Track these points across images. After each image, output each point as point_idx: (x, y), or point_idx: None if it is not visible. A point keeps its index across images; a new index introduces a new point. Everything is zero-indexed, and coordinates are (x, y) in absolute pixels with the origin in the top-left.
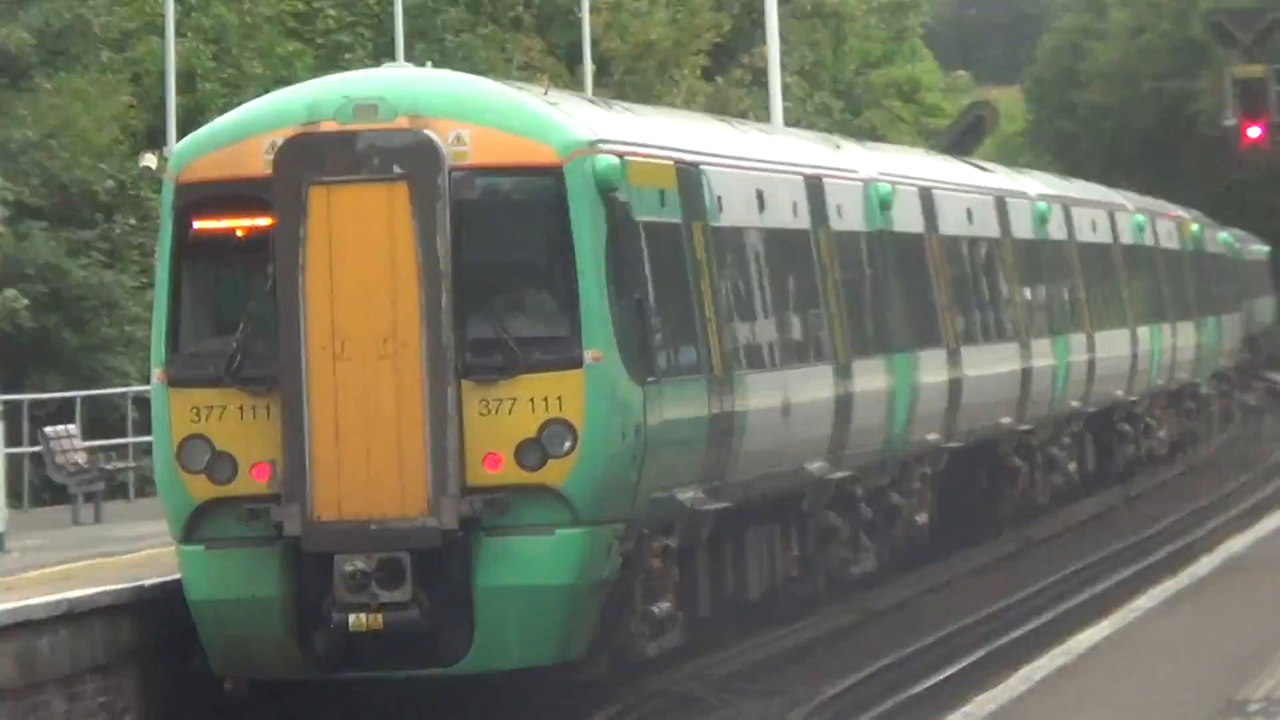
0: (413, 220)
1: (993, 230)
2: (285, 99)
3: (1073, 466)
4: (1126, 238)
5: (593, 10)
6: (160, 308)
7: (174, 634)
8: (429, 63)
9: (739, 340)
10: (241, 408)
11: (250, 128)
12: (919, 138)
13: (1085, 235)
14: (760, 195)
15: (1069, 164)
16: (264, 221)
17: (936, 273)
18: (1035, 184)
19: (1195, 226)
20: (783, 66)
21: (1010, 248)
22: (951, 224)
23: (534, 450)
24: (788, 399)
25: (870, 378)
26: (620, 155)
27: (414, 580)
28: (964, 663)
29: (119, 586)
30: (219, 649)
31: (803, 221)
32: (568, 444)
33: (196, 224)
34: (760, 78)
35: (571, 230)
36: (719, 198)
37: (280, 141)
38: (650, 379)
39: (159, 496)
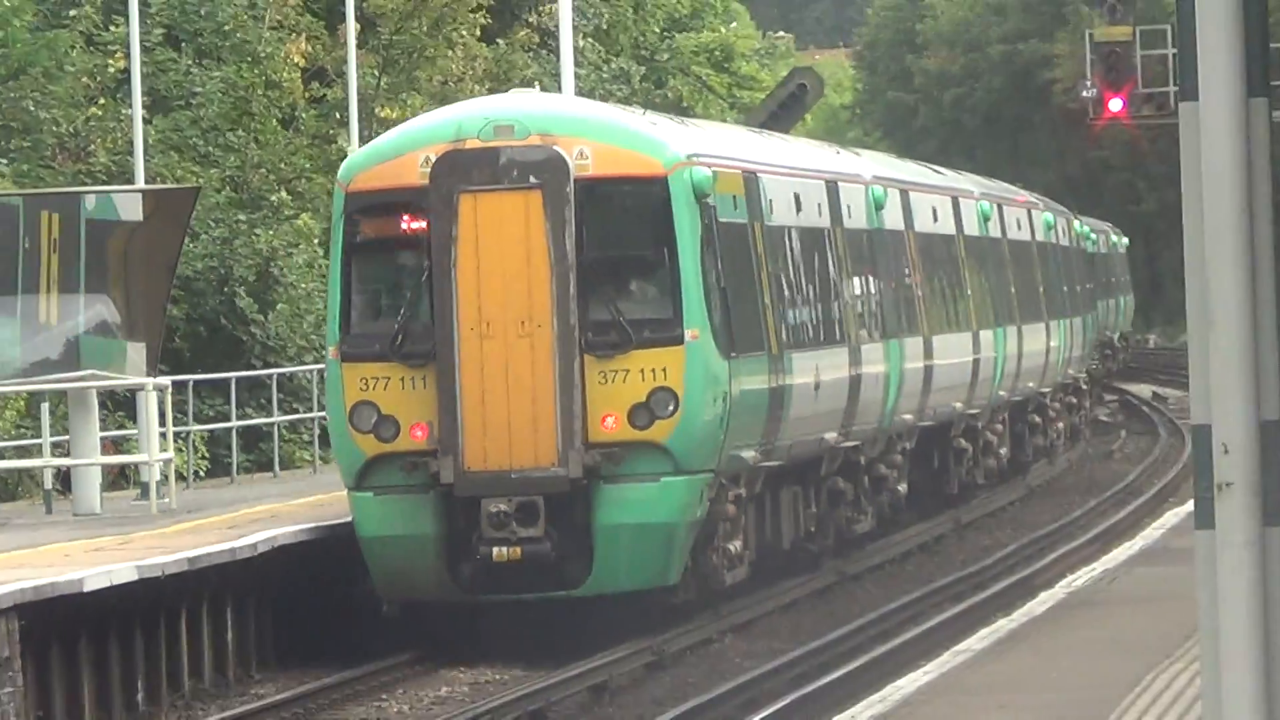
0: (545, 222)
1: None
2: (436, 121)
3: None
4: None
5: None
6: (334, 296)
7: (346, 564)
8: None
9: (786, 323)
10: (403, 379)
11: (407, 145)
12: (732, 112)
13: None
14: (797, 198)
15: (902, 141)
16: (419, 223)
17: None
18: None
19: (1048, 216)
20: (575, 28)
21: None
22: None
23: (643, 412)
24: (819, 376)
25: None
26: (710, 167)
27: (546, 519)
28: (767, 712)
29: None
30: (384, 577)
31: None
32: (671, 407)
33: (363, 225)
34: (549, 40)
35: (674, 230)
36: (770, 201)
37: (433, 157)
38: (733, 355)
39: (333, 451)
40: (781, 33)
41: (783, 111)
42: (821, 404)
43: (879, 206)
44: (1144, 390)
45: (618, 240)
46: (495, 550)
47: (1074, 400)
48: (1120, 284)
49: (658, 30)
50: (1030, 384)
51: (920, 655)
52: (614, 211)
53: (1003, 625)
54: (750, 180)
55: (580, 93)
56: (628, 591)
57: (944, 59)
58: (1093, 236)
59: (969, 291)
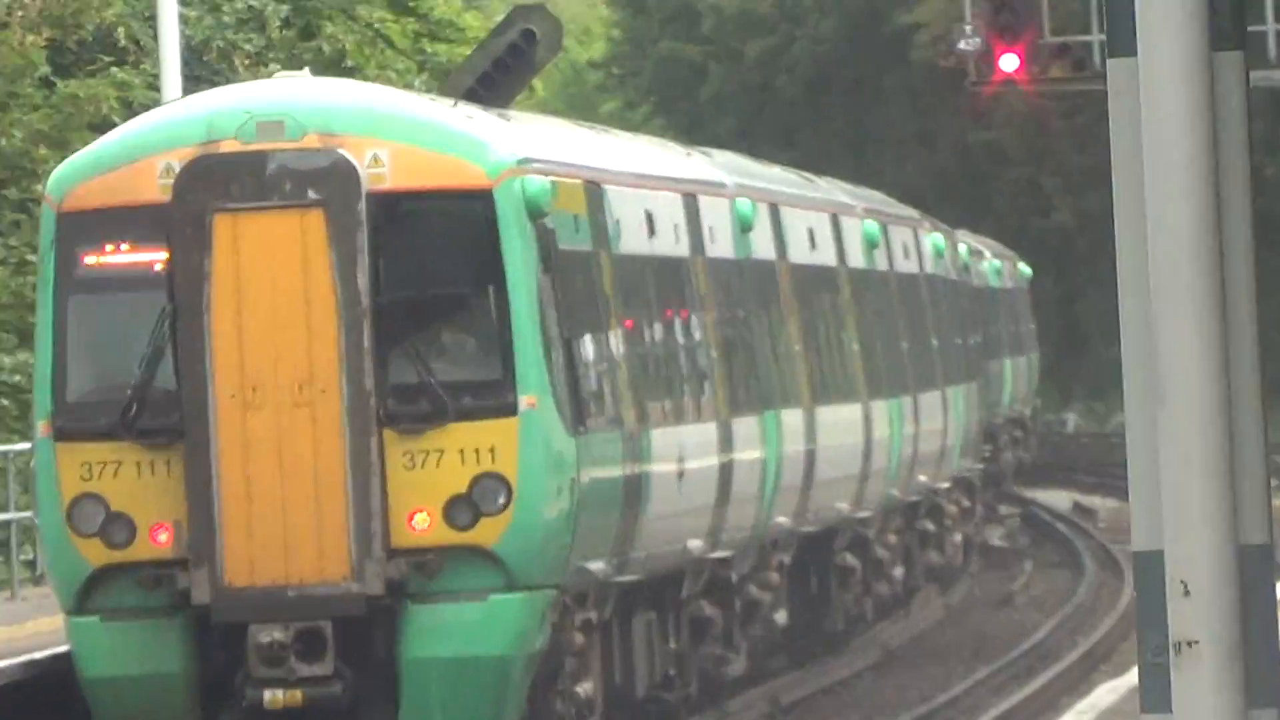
0: (329, 251)
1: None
2: (178, 116)
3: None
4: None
5: None
6: (45, 351)
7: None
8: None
9: (641, 390)
10: (139, 463)
11: (141, 149)
12: (422, 74)
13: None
14: (650, 217)
15: (684, 117)
16: (159, 254)
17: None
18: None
19: (936, 238)
20: None
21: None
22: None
23: (465, 507)
24: (683, 463)
25: None
26: (548, 175)
27: (336, 652)
28: None
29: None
30: None
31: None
32: (501, 500)
33: (84, 258)
34: None
35: (503, 260)
36: (618, 221)
37: (177, 164)
38: (581, 429)
39: (46, 563)
40: None
41: (499, 73)
42: (685, 500)
43: (745, 228)
44: (1059, 498)
45: (427, 275)
46: (268, 694)
47: (967, 503)
48: (1023, 335)
49: None
50: (923, 477)
51: None
52: (422, 236)
53: None
54: (593, 193)
55: (191, 41)
56: None
57: None
58: (991, 265)
59: (855, 347)
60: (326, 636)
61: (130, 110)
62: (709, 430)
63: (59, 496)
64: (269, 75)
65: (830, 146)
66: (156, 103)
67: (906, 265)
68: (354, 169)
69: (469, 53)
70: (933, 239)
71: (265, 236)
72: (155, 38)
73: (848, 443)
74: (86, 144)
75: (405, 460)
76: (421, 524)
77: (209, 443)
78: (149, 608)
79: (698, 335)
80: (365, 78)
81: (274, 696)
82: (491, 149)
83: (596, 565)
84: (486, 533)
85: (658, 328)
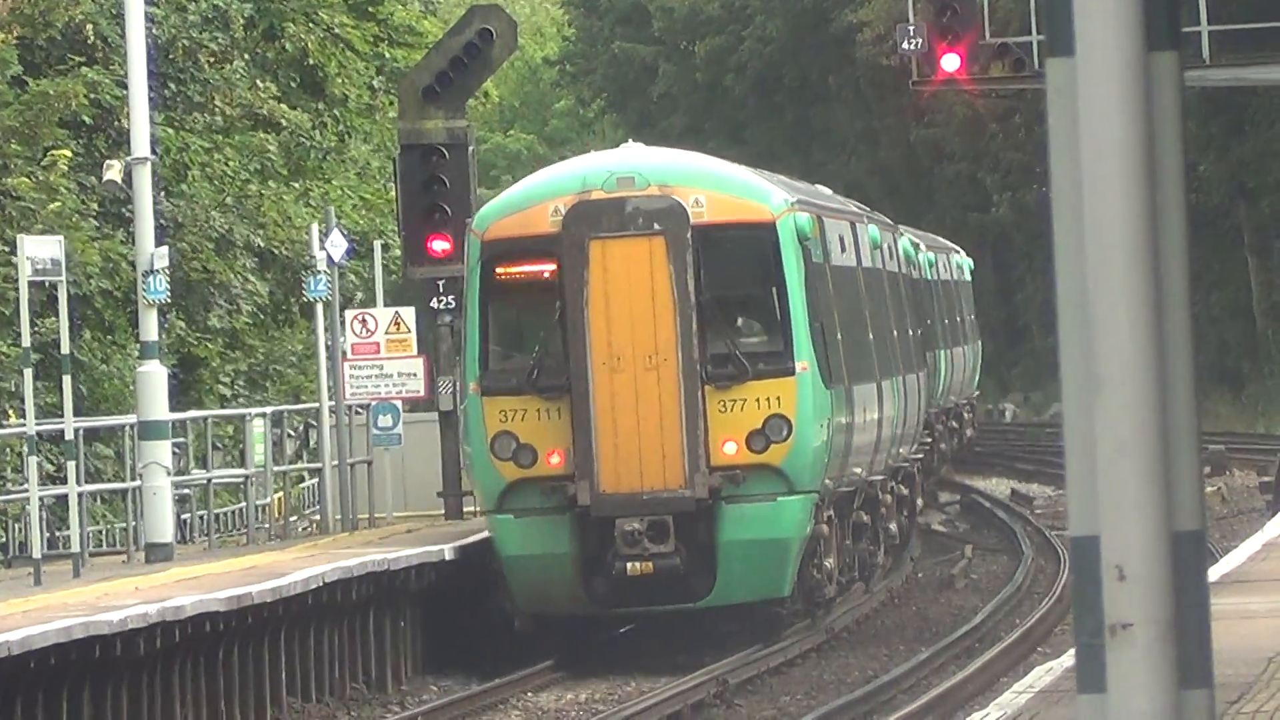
0: (668, 265)
1: (847, 257)
2: (562, 174)
3: (893, 526)
4: (866, 258)
5: None
6: (473, 335)
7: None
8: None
9: (847, 358)
10: (539, 410)
11: (537, 196)
12: (380, 77)
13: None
14: (841, 239)
15: (636, 115)
16: (551, 267)
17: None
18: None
19: (873, 230)
20: None
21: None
22: (835, 253)
23: (760, 438)
24: (871, 412)
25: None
26: (807, 212)
27: (675, 536)
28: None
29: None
30: (523, 592)
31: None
32: (785, 433)
33: (498, 270)
34: None
35: (784, 270)
36: (828, 242)
37: (563, 207)
38: (831, 386)
39: (473, 478)
40: None
41: (456, 72)
42: (867, 437)
43: (875, 246)
44: (999, 486)
45: (732, 280)
46: (629, 565)
47: (905, 492)
48: (965, 327)
49: None
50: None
51: None
52: (729, 254)
53: None
54: (820, 223)
55: (158, 40)
56: (746, 603)
57: None
58: (928, 257)
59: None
60: (669, 526)
61: (99, 108)
62: (871, 389)
63: (485, 433)
64: (234, 72)
65: (777, 143)
66: (125, 102)
67: (842, 258)
68: (683, 209)
69: (425, 55)
70: (869, 231)
71: (625, 255)
72: (123, 35)
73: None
74: (57, 139)
75: (719, 406)
76: (731, 450)
77: (588, 395)
78: (546, 508)
79: (862, 321)
80: (326, 76)
81: (633, 567)
82: (774, 194)
83: (833, 478)
84: (775, 455)
85: (850, 316)
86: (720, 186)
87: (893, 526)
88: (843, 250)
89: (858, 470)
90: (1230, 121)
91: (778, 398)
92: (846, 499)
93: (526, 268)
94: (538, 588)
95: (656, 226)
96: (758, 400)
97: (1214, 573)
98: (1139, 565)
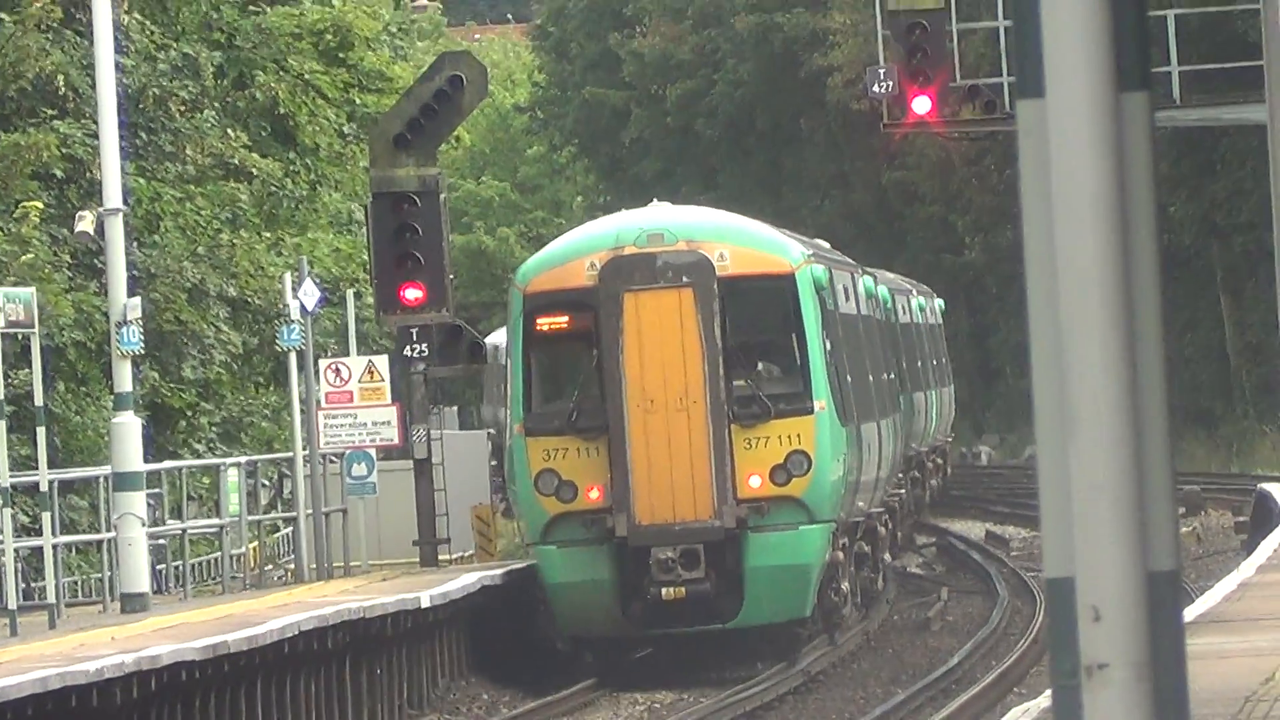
0: (696, 314)
1: (851, 306)
2: (597, 232)
3: (886, 556)
4: (867, 308)
5: None
6: (516, 380)
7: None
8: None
9: (852, 398)
10: (579, 449)
11: (575, 253)
12: (350, 124)
13: (861, 307)
14: (845, 290)
15: (607, 159)
16: (588, 317)
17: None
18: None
19: (866, 280)
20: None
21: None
22: (840, 301)
23: (782, 472)
24: (873, 449)
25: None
26: (821, 265)
27: (705, 563)
28: None
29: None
30: (566, 616)
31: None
32: (805, 467)
33: (539, 320)
34: (78, 15)
35: (803, 318)
36: (834, 292)
37: (599, 262)
38: (845, 423)
39: (519, 513)
40: (427, 2)
41: (427, 119)
42: (870, 472)
43: (870, 295)
44: (974, 529)
45: (755, 327)
46: (664, 590)
47: (866, 549)
48: (938, 370)
49: (237, 4)
50: (862, 503)
51: None
52: (751, 303)
53: None
54: (829, 274)
55: (129, 89)
56: (770, 624)
57: (666, 37)
58: (909, 301)
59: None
60: (700, 554)
61: (71, 161)
62: (874, 427)
63: (529, 470)
64: (205, 121)
65: (749, 187)
66: (96, 153)
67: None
68: (709, 262)
69: (396, 101)
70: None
71: (656, 306)
72: (93, 85)
73: None
74: (28, 191)
75: (745, 443)
76: (755, 483)
77: (624, 434)
78: (587, 539)
79: (863, 364)
80: (297, 125)
81: (668, 592)
82: (792, 248)
83: (847, 509)
84: (796, 487)
85: (854, 360)
86: (743, 241)
87: (887, 556)
88: (846, 299)
89: (861, 503)
90: (1201, 161)
91: (798, 434)
92: (852, 530)
93: (565, 318)
94: (579, 612)
95: (685, 279)
96: (780, 437)
97: (1190, 613)
98: (1114, 606)
